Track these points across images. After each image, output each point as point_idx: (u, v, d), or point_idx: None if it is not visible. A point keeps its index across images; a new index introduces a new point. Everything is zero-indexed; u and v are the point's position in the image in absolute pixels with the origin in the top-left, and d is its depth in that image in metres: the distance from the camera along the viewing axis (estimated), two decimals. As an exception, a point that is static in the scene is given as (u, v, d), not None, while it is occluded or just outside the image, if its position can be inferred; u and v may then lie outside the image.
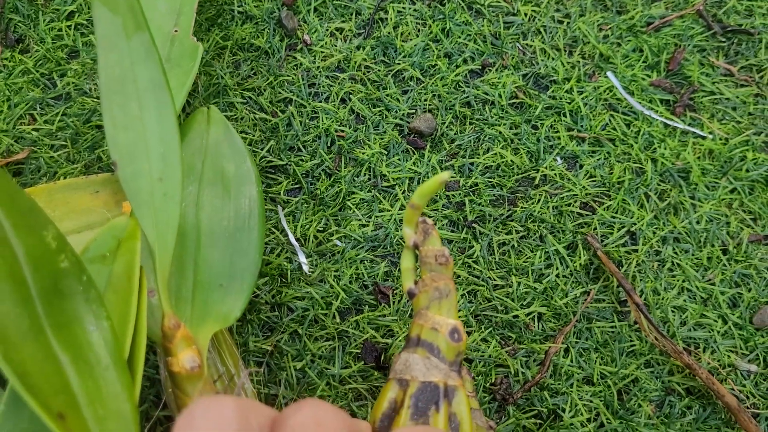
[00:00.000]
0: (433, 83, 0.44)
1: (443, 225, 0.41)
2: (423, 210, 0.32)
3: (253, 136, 0.43)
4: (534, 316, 0.39)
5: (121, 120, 0.33)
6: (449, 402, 0.26)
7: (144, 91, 0.33)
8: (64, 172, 0.42)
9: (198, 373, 0.31)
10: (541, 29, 0.46)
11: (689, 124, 0.44)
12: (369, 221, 0.41)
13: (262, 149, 0.43)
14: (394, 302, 0.39)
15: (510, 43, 0.45)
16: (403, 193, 0.42)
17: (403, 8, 0.46)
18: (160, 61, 0.34)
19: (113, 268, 0.33)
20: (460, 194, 0.42)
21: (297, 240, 0.41)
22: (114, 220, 0.35)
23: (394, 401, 0.25)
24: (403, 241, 0.31)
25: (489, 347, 0.39)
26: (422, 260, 0.28)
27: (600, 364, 0.38)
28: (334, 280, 0.40)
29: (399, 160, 0.42)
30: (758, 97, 0.45)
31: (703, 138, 0.44)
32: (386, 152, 0.43)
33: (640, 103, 0.44)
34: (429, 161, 0.42)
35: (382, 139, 0.43)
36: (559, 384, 0.38)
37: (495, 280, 0.40)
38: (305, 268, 0.40)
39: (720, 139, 0.44)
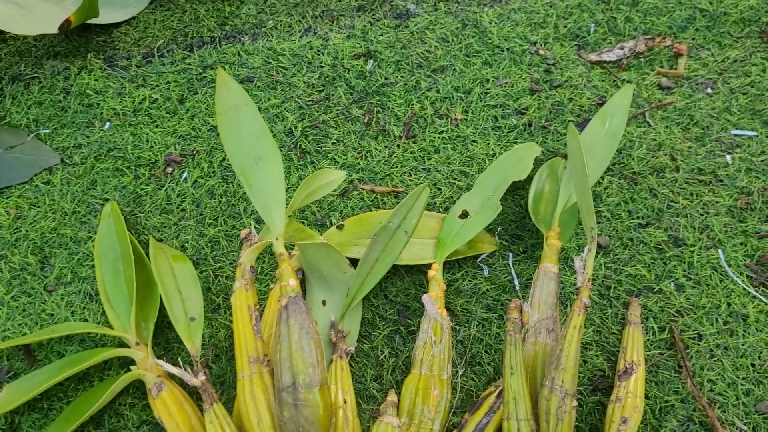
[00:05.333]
0: (615, 224, 0.80)
1: (596, 295, 0.75)
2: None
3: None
4: (628, 354, 0.72)
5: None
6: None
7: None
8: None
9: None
10: (688, 215, 0.80)
11: (760, 293, 0.75)
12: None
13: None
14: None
15: (668, 216, 0.80)
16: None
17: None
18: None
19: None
20: (611, 283, 0.76)
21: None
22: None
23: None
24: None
25: (598, 359, 0.72)
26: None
27: (656, 390, 0.70)
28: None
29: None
30: (812, 296, 0.75)
31: (765, 303, 0.74)
32: (579, 249, 0.79)
33: (733, 272, 0.76)
34: (600, 261, 0.77)
35: (579, 241, 0.79)
36: (629, 391, 0.70)
37: (614, 332, 0.73)
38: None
39: (775, 307, 0.74)
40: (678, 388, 0.69)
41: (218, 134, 0.77)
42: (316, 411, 0.60)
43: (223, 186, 0.85)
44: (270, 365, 0.66)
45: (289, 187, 0.84)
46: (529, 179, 0.81)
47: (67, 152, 0.89)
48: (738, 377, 0.70)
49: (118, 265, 0.77)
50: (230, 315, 0.75)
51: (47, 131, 0.91)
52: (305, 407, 0.60)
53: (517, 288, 0.76)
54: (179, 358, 0.73)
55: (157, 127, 0.90)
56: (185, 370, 0.66)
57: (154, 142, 0.89)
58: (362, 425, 0.68)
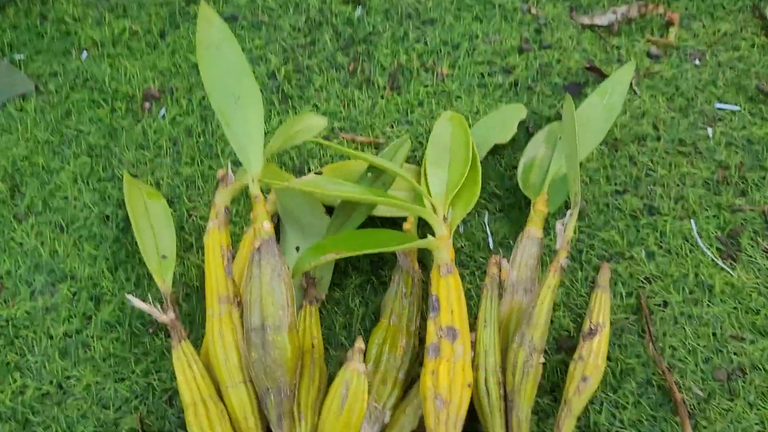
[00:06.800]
0: (593, 190, 0.80)
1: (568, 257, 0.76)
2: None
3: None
4: (594, 317, 0.73)
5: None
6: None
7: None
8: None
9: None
10: (665, 184, 0.80)
11: (728, 265, 0.76)
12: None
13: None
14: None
15: (645, 185, 0.80)
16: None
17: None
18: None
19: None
20: (583, 247, 0.77)
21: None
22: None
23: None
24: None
25: (565, 320, 0.73)
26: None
27: (618, 352, 0.71)
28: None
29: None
30: (777, 270, 0.76)
31: (731, 275, 0.75)
32: (559, 216, 0.79)
33: (703, 243, 0.77)
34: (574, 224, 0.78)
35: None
36: (592, 353, 0.71)
37: (582, 294, 0.74)
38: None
39: (740, 279, 0.75)
40: (640, 352, 0.71)
41: (198, 72, 0.75)
42: (284, 353, 0.60)
43: (201, 125, 0.84)
44: (240, 306, 0.66)
45: (268, 131, 0.83)
46: (512, 141, 0.80)
47: (41, 79, 0.87)
48: (699, 345, 0.71)
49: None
50: (203, 255, 0.75)
51: (22, 57, 0.88)
52: (273, 349, 0.60)
53: (491, 246, 0.77)
54: (149, 295, 0.73)
55: (136, 60, 0.88)
56: (155, 306, 0.66)
57: (133, 76, 0.87)
58: (329, 371, 0.69)
